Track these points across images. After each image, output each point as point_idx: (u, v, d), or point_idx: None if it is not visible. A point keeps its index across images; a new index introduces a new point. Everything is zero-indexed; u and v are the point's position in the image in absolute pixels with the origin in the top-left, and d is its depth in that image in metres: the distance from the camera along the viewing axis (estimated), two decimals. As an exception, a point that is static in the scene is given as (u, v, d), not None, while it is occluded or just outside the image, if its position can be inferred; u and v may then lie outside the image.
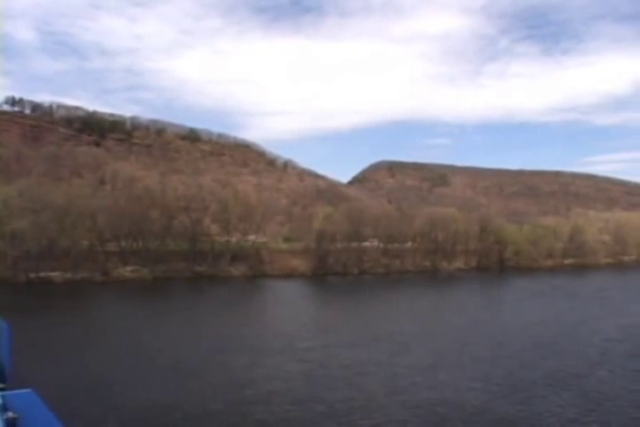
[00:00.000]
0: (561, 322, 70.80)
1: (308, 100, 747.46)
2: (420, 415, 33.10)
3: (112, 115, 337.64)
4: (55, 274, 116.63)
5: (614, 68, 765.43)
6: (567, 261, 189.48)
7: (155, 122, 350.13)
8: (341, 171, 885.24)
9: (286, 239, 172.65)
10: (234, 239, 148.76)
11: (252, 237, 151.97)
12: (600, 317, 75.40)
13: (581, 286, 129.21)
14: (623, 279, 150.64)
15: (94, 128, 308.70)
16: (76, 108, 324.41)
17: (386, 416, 32.88)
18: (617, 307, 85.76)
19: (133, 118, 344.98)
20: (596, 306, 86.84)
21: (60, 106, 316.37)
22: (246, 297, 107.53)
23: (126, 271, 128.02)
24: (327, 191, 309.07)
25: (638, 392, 38.38)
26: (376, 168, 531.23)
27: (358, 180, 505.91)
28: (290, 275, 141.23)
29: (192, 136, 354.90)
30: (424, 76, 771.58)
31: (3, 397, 6.57)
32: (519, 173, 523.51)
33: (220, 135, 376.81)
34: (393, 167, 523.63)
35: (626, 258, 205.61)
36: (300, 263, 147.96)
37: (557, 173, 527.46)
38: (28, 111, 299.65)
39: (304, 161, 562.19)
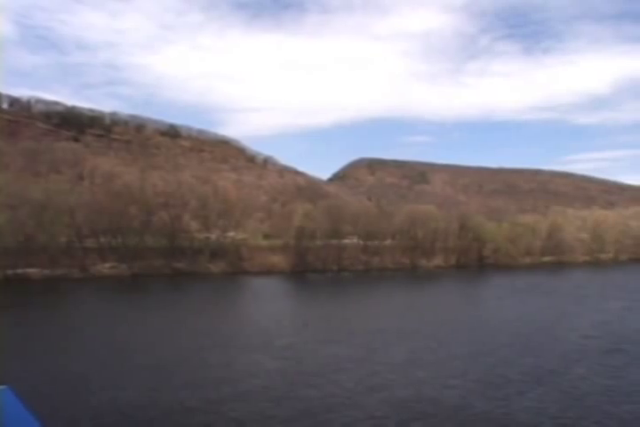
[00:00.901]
0: (538, 319, 71.32)
1: (288, 97, 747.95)
2: (398, 412, 33.15)
3: (91, 110, 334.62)
4: (33, 271, 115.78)
5: (594, 67, 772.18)
6: (545, 259, 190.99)
7: (134, 117, 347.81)
8: (321, 168, 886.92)
9: (266, 236, 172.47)
10: (213, 236, 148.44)
11: (231, 234, 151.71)
12: (577, 314, 76.06)
13: (559, 283, 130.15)
14: (600, 277, 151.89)
15: (73, 123, 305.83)
16: (55, 102, 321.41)
17: (364, 413, 32.89)
18: (594, 304, 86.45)
19: (113, 114, 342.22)
20: (574, 303, 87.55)
21: (38, 100, 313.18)
22: (225, 294, 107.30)
23: (105, 268, 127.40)
24: (307, 188, 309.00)
25: (615, 388, 38.74)
26: (356, 165, 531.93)
27: (338, 177, 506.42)
28: (269, 272, 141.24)
29: (172, 132, 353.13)
30: (405, 74, 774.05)
31: None
32: (498, 172, 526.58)
33: (199, 131, 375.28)
34: (373, 164, 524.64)
35: (603, 256, 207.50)
36: (279, 260, 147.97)
37: (536, 172, 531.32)
38: (5, 106, 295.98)
39: (284, 158, 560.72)
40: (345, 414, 32.70)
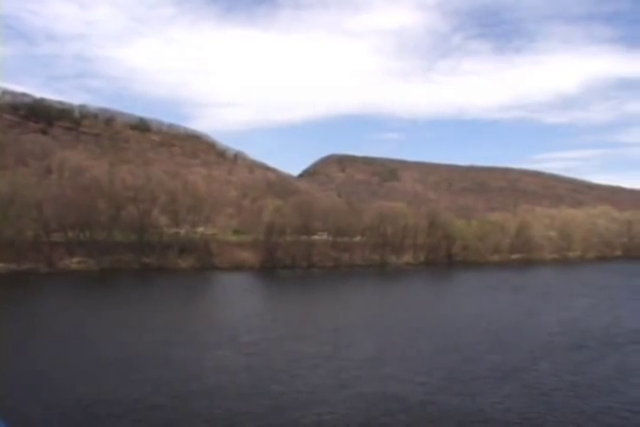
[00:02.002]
0: (506, 316, 72.11)
1: (260, 92, 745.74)
2: (364, 408, 33.31)
3: (60, 102, 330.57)
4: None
5: (564, 67, 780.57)
6: (514, 257, 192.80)
7: (104, 111, 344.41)
8: (292, 164, 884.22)
9: (235, 232, 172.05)
10: (182, 231, 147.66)
11: (200, 229, 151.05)
12: (544, 311, 76.90)
13: (527, 280, 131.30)
14: (567, 275, 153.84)
15: (41, 115, 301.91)
16: (23, 94, 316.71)
17: (330, 410, 32.99)
18: (560, 301, 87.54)
19: (82, 106, 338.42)
20: (540, 301, 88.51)
21: (5, 92, 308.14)
22: (193, 290, 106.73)
23: (72, 263, 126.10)
24: (277, 184, 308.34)
25: (580, 384, 39.29)
26: (326, 162, 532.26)
27: (308, 173, 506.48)
28: (238, 267, 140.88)
29: (142, 126, 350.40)
30: (377, 71, 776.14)
31: None
32: (468, 169, 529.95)
33: (170, 126, 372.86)
34: (343, 161, 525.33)
35: (570, 254, 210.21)
36: (248, 256, 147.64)
37: (506, 170, 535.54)
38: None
39: (254, 153, 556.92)
40: (312, 411, 32.76)
